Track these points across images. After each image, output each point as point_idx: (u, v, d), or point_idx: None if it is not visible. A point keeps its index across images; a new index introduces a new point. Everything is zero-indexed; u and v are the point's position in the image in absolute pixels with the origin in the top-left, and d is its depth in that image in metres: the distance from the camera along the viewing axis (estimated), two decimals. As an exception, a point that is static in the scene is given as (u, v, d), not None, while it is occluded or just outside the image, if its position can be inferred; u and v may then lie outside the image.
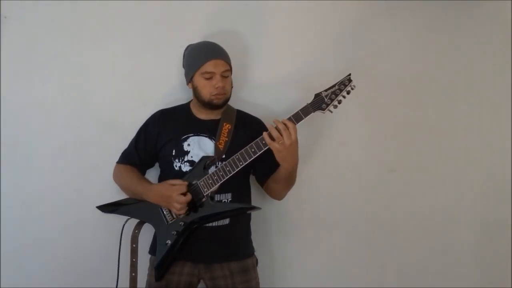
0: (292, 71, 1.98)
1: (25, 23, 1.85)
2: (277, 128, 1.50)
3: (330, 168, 2.04)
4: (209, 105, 1.67)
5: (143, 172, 1.80)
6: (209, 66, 1.63)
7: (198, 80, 1.65)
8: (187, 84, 1.73)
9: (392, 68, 2.06)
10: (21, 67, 1.85)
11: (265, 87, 1.97)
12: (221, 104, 1.67)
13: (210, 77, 1.63)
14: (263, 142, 1.54)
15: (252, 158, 1.56)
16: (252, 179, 1.81)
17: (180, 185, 1.57)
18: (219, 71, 1.64)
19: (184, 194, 1.56)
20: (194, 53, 1.70)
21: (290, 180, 1.67)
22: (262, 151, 1.55)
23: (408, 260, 2.09)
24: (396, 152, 2.08)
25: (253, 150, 1.55)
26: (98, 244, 1.89)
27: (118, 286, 1.71)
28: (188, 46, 1.75)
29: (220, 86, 1.63)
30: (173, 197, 1.55)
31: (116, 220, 1.76)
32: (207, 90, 1.64)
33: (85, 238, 1.89)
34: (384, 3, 2.04)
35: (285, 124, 1.50)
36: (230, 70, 1.71)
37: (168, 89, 1.92)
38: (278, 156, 1.53)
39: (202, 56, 1.65)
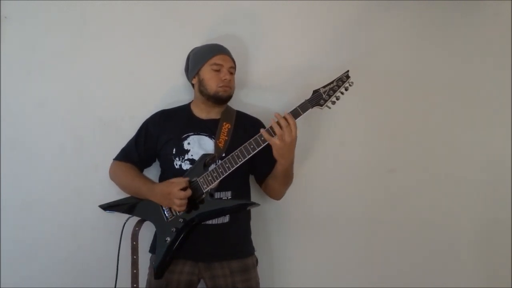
0: (291, 69, 1.98)
1: (25, 23, 1.85)
2: (278, 124, 1.50)
3: (330, 167, 2.04)
4: (213, 98, 1.69)
5: (141, 170, 1.79)
6: (218, 59, 1.70)
7: (206, 72, 1.69)
8: (192, 79, 1.75)
9: (392, 67, 2.06)
10: (21, 67, 1.86)
11: (264, 85, 1.97)
12: (225, 97, 1.70)
13: (218, 69, 1.69)
14: (262, 138, 1.54)
15: (251, 155, 1.56)
16: (252, 179, 1.81)
17: (180, 181, 1.57)
18: (227, 65, 1.71)
19: (184, 189, 1.56)
20: (203, 49, 1.76)
21: (287, 177, 1.67)
22: (261, 147, 1.55)
23: (408, 260, 2.09)
24: (396, 152, 2.08)
25: (252, 146, 1.55)
26: (97, 244, 1.88)
27: (118, 286, 1.70)
28: (194, 49, 1.80)
29: (227, 79, 1.68)
30: (173, 192, 1.55)
31: (116, 219, 1.76)
32: (215, 81, 1.68)
33: (85, 238, 1.89)
34: (383, 2, 2.04)
35: (286, 120, 1.50)
36: (235, 68, 1.76)
37: (168, 90, 1.93)
38: (277, 153, 1.53)
39: (212, 50, 1.73)
